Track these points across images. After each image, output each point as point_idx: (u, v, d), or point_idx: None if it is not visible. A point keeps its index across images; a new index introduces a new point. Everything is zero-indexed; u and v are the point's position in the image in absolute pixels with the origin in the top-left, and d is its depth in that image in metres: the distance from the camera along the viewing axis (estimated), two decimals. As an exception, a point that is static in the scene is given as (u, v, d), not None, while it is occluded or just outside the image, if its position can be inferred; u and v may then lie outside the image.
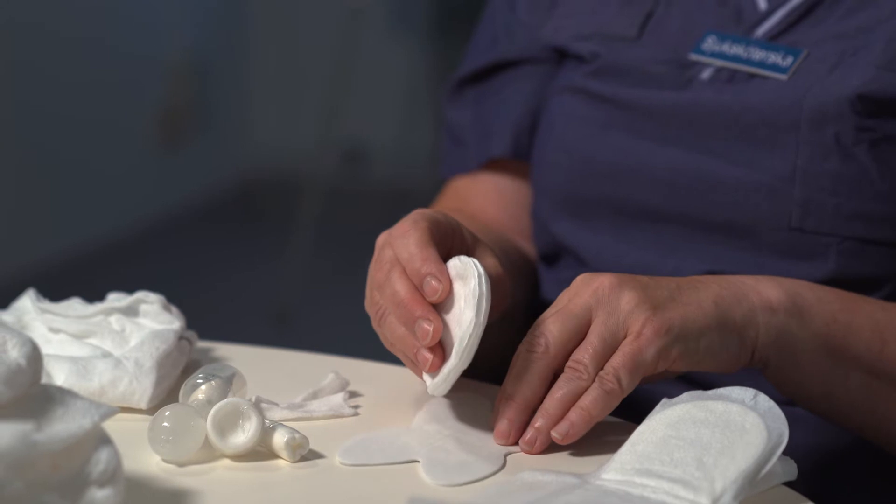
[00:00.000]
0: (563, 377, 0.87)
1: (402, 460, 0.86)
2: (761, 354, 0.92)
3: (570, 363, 0.87)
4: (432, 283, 0.87)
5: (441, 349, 0.87)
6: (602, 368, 0.87)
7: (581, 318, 0.88)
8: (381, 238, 0.92)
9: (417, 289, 0.87)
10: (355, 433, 0.89)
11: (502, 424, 0.87)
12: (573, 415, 0.86)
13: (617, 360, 0.86)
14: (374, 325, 0.91)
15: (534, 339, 0.88)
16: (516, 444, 0.87)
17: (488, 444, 0.88)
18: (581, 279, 0.90)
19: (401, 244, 0.88)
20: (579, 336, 0.88)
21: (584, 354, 0.87)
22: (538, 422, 0.87)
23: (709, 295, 0.90)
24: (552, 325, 0.88)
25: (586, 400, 0.86)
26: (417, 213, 0.91)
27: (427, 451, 0.86)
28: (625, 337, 0.87)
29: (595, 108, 1.12)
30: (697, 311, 0.89)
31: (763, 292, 0.92)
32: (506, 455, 0.86)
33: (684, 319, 0.88)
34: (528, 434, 0.87)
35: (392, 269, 0.88)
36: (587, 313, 0.88)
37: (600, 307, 0.88)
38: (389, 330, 0.89)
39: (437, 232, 0.90)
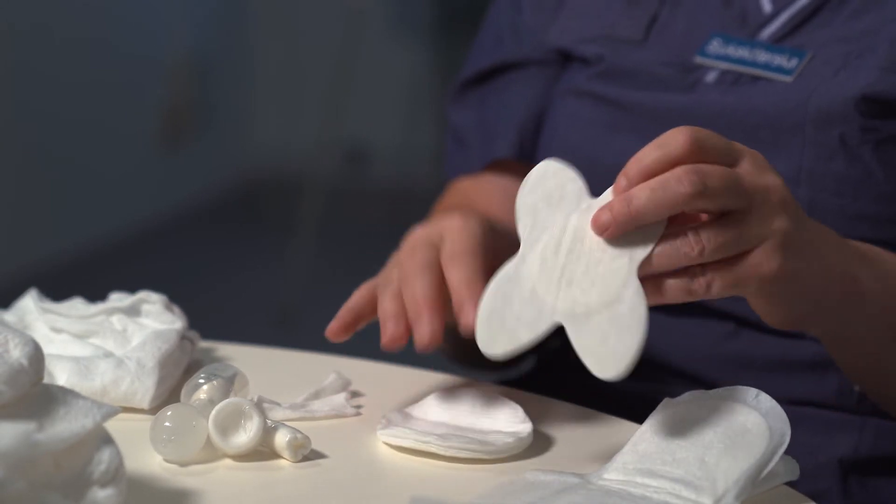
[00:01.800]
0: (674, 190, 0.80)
1: (549, 327, 0.81)
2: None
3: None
4: (465, 315, 0.85)
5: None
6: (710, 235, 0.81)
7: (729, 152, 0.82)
8: (423, 234, 0.91)
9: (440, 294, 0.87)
10: (357, 430, 0.90)
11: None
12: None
13: (721, 275, 0.82)
14: (378, 289, 0.91)
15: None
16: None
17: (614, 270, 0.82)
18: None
19: (457, 266, 0.88)
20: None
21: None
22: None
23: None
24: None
25: (661, 255, 0.80)
26: (476, 227, 0.91)
27: (565, 307, 0.81)
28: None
29: (600, 111, 1.12)
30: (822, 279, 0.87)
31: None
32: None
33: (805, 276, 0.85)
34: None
35: (428, 272, 0.88)
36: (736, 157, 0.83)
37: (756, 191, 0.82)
38: (389, 299, 0.89)
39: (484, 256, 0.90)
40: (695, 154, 0.81)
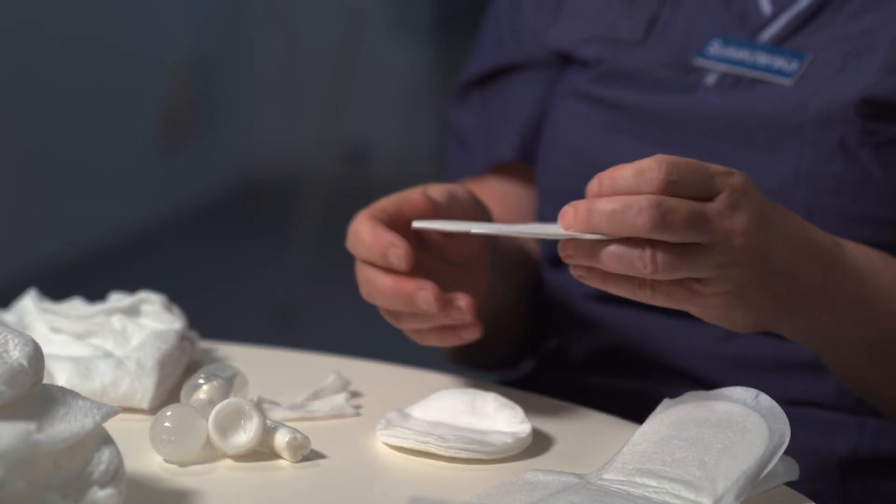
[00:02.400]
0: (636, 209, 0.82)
1: (462, 229, 0.89)
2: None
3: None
4: (393, 252, 0.91)
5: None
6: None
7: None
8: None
9: (392, 271, 0.92)
10: (357, 431, 0.90)
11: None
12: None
13: (666, 294, 0.84)
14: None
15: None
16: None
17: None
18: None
19: (357, 249, 0.93)
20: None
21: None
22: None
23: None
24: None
25: (613, 258, 0.83)
26: (357, 217, 0.95)
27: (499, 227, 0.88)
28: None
29: (600, 112, 1.12)
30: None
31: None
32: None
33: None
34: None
35: (367, 274, 0.93)
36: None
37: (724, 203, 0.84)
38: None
39: (382, 218, 0.94)
40: (668, 190, 0.82)
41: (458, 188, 0.98)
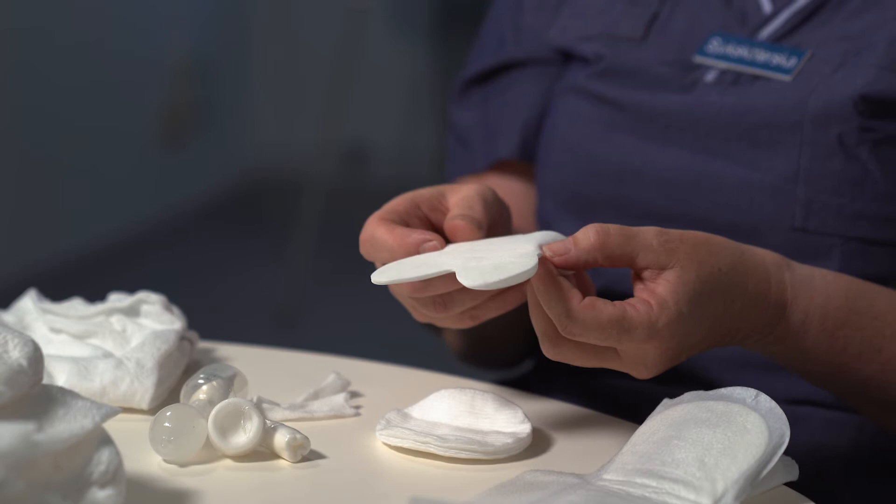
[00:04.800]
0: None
1: (437, 272, 0.86)
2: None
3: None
4: (430, 247, 0.91)
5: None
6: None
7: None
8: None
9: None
10: (356, 431, 0.90)
11: None
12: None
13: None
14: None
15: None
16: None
17: (520, 247, 0.88)
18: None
19: (378, 254, 0.92)
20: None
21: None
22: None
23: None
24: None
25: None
26: (375, 216, 0.95)
27: (461, 262, 0.86)
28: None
29: (599, 109, 1.12)
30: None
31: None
32: (539, 255, 0.85)
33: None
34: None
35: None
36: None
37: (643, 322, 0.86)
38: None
39: (393, 219, 0.93)
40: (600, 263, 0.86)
41: (486, 190, 0.97)
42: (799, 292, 0.93)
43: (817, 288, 0.94)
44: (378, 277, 0.88)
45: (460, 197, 0.96)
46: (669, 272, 0.86)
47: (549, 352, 0.86)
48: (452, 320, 0.94)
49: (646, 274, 0.86)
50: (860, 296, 0.96)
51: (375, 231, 0.92)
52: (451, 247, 0.92)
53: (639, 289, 0.86)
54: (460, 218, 0.94)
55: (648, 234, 0.86)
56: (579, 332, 0.84)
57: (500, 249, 0.88)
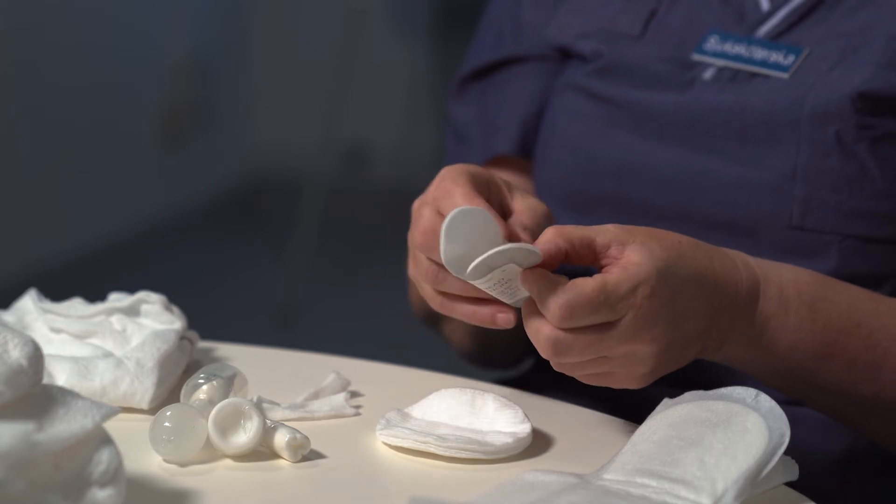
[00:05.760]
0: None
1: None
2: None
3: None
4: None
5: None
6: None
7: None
8: (417, 203, 0.93)
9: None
10: (356, 431, 0.90)
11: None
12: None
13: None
14: (420, 288, 0.94)
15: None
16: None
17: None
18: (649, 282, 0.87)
19: (447, 204, 0.90)
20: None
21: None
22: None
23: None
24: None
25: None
26: (452, 171, 0.92)
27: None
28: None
29: (598, 107, 1.12)
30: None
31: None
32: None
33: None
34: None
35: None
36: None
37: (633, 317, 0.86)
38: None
39: (476, 184, 0.92)
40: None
41: (536, 203, 0.97)
42: (768, 270, 0.94)
43: (784, 268, 0.95)
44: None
45: (526, 206, 0.96)
46: (632, 245, 0.87)
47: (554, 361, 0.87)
48: (430, 294, 0.94)
49: (610, 251, 0.86)
50: (825, 278, 0.97)
51: (460, 193, 0.91)
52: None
53: (607, 266, 0.87)
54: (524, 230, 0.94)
55: (606, 224, 0.88)
56: (569, 313, 0.83)
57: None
